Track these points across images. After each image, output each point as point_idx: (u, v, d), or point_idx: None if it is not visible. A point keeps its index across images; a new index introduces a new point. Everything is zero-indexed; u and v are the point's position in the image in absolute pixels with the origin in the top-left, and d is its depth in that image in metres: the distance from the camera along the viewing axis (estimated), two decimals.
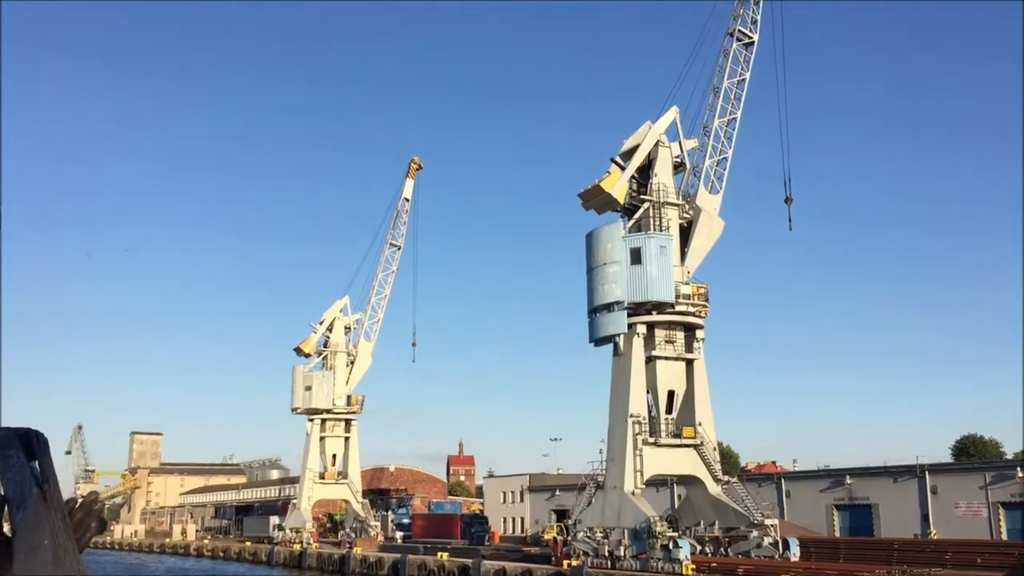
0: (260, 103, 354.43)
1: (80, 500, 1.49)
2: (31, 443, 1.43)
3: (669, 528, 53.98)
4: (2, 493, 1.36)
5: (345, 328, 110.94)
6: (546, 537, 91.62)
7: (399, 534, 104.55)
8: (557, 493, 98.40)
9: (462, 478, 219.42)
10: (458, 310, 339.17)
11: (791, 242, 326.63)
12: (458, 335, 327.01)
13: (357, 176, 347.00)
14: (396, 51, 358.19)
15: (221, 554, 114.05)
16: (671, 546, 51.87)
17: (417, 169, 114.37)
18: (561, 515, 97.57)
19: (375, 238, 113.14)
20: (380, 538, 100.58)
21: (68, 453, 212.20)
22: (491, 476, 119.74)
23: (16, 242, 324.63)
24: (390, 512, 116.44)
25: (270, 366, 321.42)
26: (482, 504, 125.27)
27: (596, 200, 61.29)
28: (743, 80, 65.44)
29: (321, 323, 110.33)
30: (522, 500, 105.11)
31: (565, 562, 58.04)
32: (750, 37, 65.91)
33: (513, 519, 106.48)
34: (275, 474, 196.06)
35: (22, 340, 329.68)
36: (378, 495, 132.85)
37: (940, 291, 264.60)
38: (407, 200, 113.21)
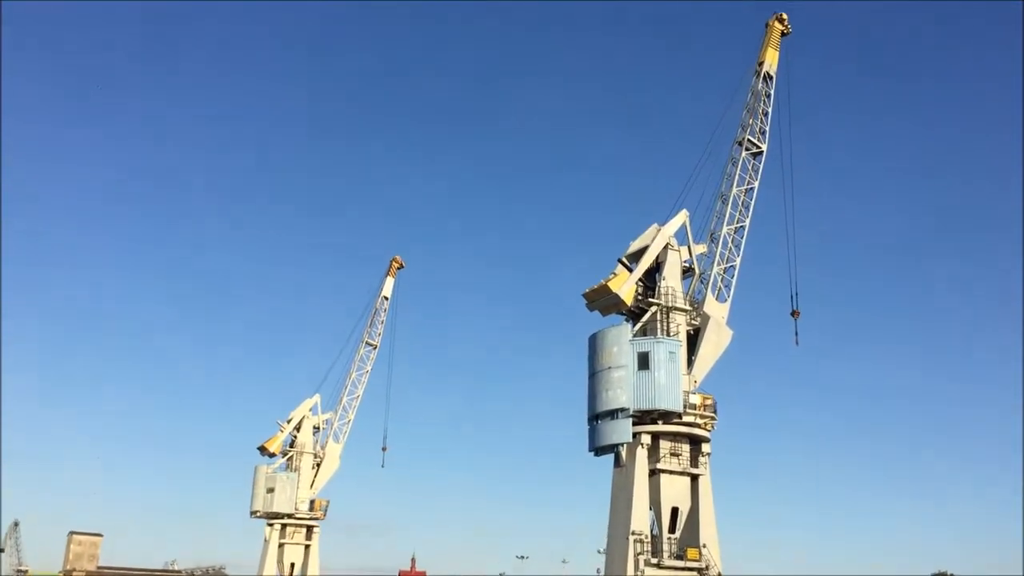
0: (245, 188, 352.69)
1: None
2: None
3: None
4: None
5: (314, 428, 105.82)
6: None
7: None
8: None
9: None
10: (430, 415, 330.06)
11: (798, 356, 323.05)
12: (427, 440, 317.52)
13: (335, 270, 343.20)
14: (380, 139, 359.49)
15: None
16: None
17: (399, 268, 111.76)
18: None
19: (351, 336, 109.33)
20: None
21: (1, 551, 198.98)
22: None
23: None
24: None
25: (226, 465, 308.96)
26: None
27: (602, 301, 58.59)
28: (752, 188, 64.16)
29: (289, 421, 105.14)
30: None
31: None
32: (758, 147, 65.00)
33: None
34: None
35: None
36: None
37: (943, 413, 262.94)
38: (386, 299, 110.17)
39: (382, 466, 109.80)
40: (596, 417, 56.72)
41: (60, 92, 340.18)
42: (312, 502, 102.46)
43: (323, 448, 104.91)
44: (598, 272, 61.17)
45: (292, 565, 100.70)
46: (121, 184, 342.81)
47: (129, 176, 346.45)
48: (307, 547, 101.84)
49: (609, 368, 56.04)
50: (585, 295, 59.18)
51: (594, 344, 57.95)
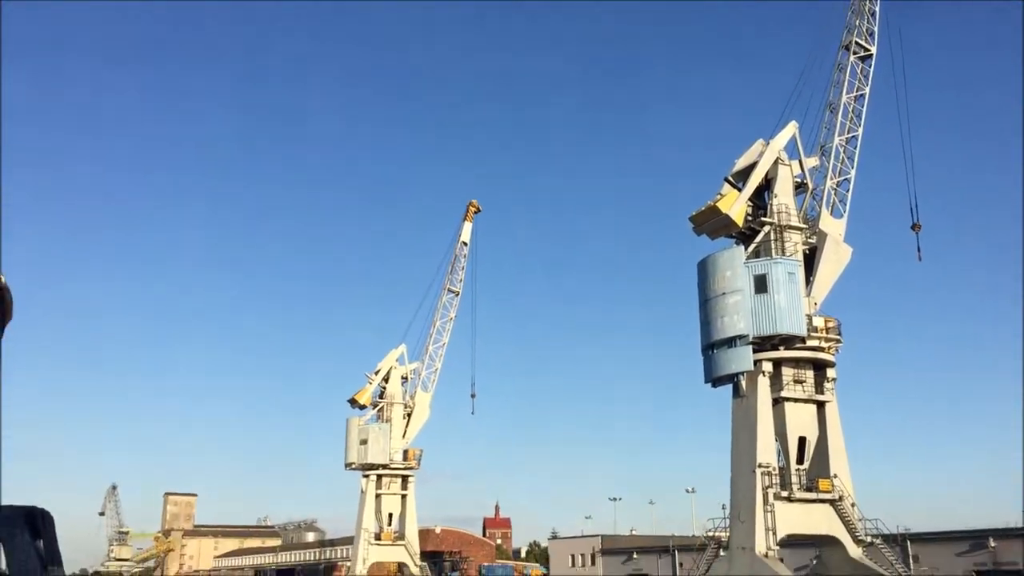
0: (317, 143, 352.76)
1: None
2: (36, 522, 1.43)
3: None
4: (7, 572, 1.33)
5: (402, 378, 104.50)
6: None
7: None
8: (635, 556, 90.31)
9: (498, 541, 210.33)
10: (517, 359, 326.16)
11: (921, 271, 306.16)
12: (515, 385, 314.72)
13: (415, 218, 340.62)
14: (451, 88, 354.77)
15: None
16: None
17: (475, 212, 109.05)
18: None
19: (432, 284, 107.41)
20: None
21: (101, 514, 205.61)
22: (556, 538, 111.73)
23: (61, 297, 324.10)
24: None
25: (310, 422, 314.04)
26: (542, 568, 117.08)
27: (711, 223, 55.07)
28: (862, 95, 59.50)
29: (377, 373, 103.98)
30: (593, 563, 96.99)
31: None
32: (867, 49, 60.14)
33: None
34: (311, 536, 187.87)
35: (58, 399, 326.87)
36: (430, 558, 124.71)
37: None
38: (465, 244, 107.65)
39: (472, 413, 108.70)
40: (711, 346, 53.61)
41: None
42: (405, 452, 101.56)
43: (412, 398, 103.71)
44: (701, 195, 57.74)
45: (390, 515, 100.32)
46: (209, 146, 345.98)
47: (216, 134, 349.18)
48: (403, 497, 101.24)
49: (723, 294, 52.71)
50: (692, 218, 55.71)
51: (705, 269, 54.59)
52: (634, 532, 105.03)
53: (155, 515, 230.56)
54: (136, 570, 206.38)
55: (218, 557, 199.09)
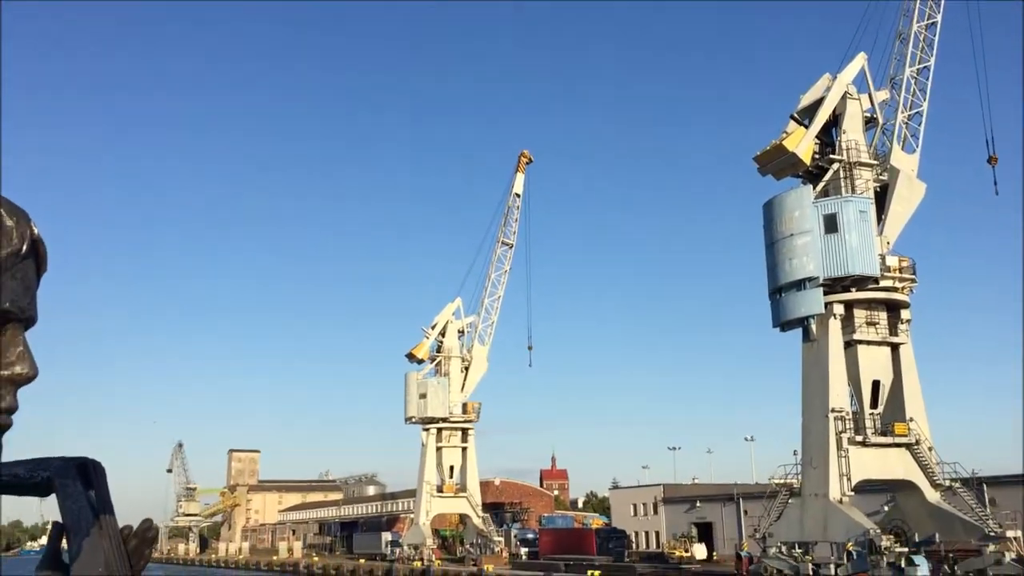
0: (369, 101, 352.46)
1: (135, 528, 1.50)
2: (88, 472, 1.44)
3: (897, 542, 45.25)
4: (62, 522, 1.38)
5: (459, 332, 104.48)
6: (678, 553, 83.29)
7: (523, 550, 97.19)
8: (698, 504, 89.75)
9: (556, 492, 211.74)
10: (572, 311, 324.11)
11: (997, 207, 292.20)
12: (570, 336, 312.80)
13: (466, 171, 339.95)
14: (503, 37, 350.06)
15: (333, 572, 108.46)
16: (903, 564, 43.22)
17: (527, 163, 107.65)
18: (703, 528, 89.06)
19: (486, 237, 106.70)
20: (505, 555, 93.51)
21: (169, 471, 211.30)
22: (617, 487, 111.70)
23: (122, 265, 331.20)
24: (512, 527, 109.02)
25: (368, 378, 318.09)
26: (603, 517, 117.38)
27: (776, 163, 53.26)
28: (933, 23, 56.63)
29: (433, 327, 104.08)
30: (655, 512, 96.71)
31: None
32: None
33: (646, 533, 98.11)
34: (371, 490, 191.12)
35: (123, 360, 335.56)
36: (491, 509, 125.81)
37: None
38: (518, 196, 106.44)
39: (529, 365, 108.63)
40: (779, 290, 52.13)
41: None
42: (464, 405, 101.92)
43: (470, 351, 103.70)
44: (764, 137, 55.81)
45: (451, 468, 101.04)
46: (271, 103, 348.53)
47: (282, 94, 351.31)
48: (463, 449, 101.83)
49: (791, 235, 51.07)
50: (757, 158, 53.91)
51: (771, 210, 52.92)
52: (696, 481, 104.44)
53: (220, 472, 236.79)
54: (204, 524, 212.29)
55: (282, 511, 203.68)
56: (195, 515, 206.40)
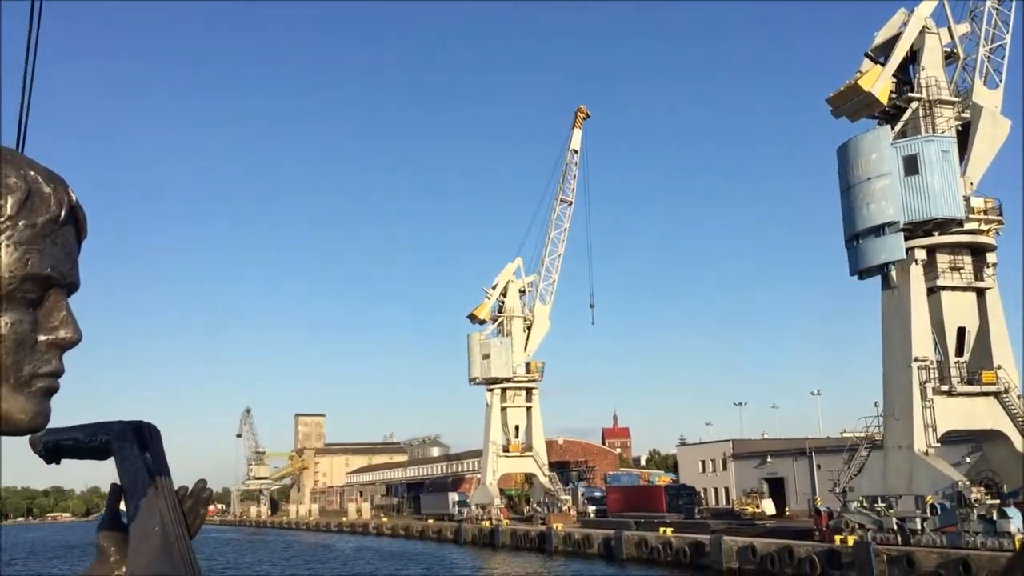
0: (427, 64, 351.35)
1: (189, 488, 1.58)
2: (143, 435, 1.48)
3: (988, 494, 43.57)
4: (119, 483, 1.42)
5: (520, 291, 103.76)
6: (750, 509, 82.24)
7: (591, 508, 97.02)
8: (769, 460, 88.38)
9: (618, 451, 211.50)
10: (633, 268, 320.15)
11: None
12: (633, 293, 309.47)
13: (522, 129, 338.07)
14: None
15: (402, 532, 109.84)
16: (995, 516, 41.58)
17: (584, 118, 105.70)
18: (774, 483, 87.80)
19: (545, 195, 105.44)
20: (573, 513, 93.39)
21: (239, 436, 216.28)
22: (684, 444, 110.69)
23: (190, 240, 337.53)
24: (578, 486, 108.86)
25: (427, 340, 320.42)
26: (669, 475, 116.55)
27: (851, 104, 50.97)
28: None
29: (494, 287, 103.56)
30: (724, 468, 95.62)
31: (836, 538, 48.51)
32: None
33: (715, 489, 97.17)
34: (435, 451, 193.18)
35: (193, 331, 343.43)
36: (556, 468, 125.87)
37: None
38: (575, 152, 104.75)
39: (592, 323, 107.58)
40: (856, 236, 50.09)
41: None
42: (528, 365, 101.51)
43: (531, 311, 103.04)
44: (833, 80, 53.37)
45: (516, 428, 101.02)
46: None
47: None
48: (528, 409, 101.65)
49: (869, 178, 48.91)
50: (830, 99, 51.67)
51: (846, 154, 50.71)
52: (765, 436, 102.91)
53: (287, 436, 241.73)
54: (274, 487, 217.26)
55: (349, 473, 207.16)
56: (265, 478, 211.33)
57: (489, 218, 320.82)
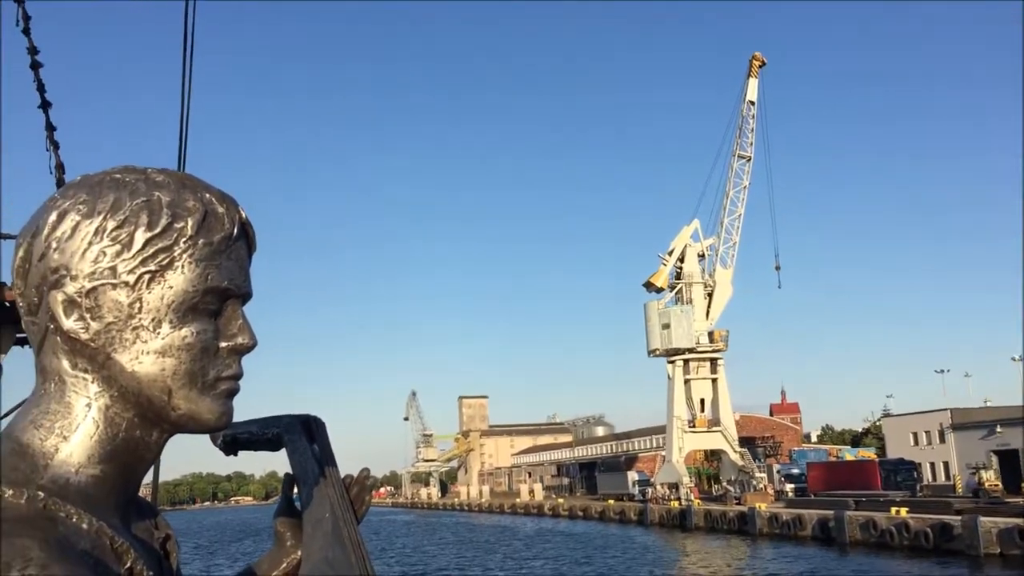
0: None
1: (354, 477, 1.68)
2: (311, 428, 1.59)
3: None
4: (291, 473, 1.53)
5: (698, 256, 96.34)
6: (988, 484, 72.40)
7: (789, 486, 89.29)
8: (999, 430, 78.07)
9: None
10: (821, 225, 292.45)
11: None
12: (821, 254, 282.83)
13: (692, 82, 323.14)
14: None
15: (580, 514, 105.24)
16: None
17: (760, 66, 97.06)
18: (1005, 456, 77.52)
19: (721, 151, 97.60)
20: (770, 491, 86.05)
21: (406, 419, 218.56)
22: (889, 415, 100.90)
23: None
24: (772, 462, 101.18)
25: (596, 318, 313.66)
26: (874, 450, 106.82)
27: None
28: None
29: (670, 253, 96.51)
30: (942, 441, 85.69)
31: None
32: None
33: (931, 464, 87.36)
34: (600, 431, 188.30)
35: (363, 324, 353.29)
36: (743, 444, 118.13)
37: None
38: (752, 104, 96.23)
39: (779, 287, 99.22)
40: None
41: None
42: (711, 334, 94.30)
43: (712, 276, 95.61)
44: None
45: (702, 401, 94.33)
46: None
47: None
48: (714, 381, 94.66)
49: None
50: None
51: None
52: (988, 403, 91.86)
53: (452, 418, 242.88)
54: (443, 469, 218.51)
55: (515, 455, 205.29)
56: (433, 460, 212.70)
57: (661, 178, 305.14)
